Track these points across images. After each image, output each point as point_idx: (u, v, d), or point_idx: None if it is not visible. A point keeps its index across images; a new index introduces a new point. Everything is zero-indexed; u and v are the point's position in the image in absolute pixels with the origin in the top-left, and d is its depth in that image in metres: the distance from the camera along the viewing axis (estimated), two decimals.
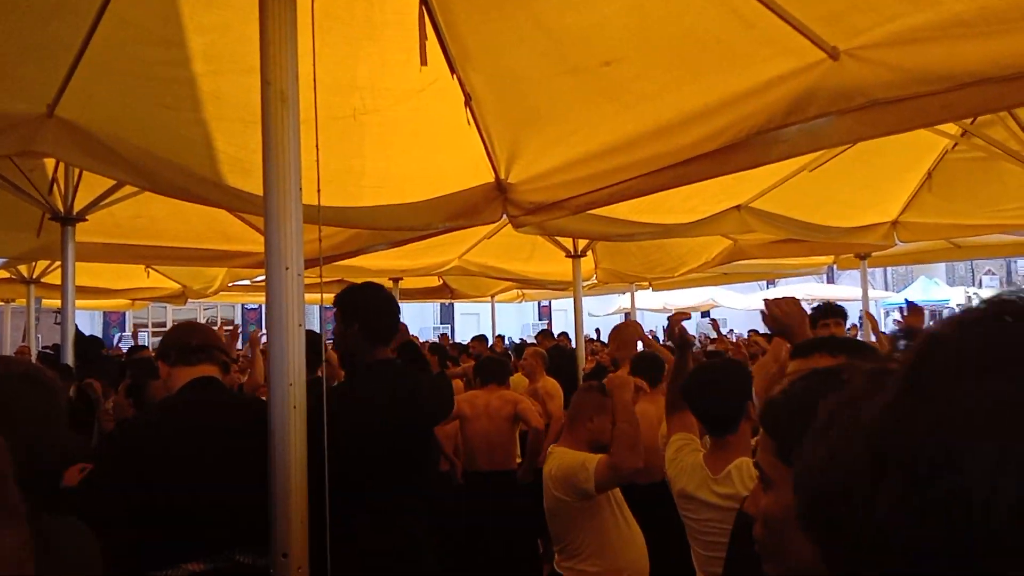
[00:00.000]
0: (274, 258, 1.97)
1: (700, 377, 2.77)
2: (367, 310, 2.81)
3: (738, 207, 5.38)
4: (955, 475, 0.39)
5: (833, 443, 0.49)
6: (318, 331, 3.35)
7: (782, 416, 1.11)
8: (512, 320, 21.99)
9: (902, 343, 0.50)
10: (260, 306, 20.46)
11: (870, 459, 0.44)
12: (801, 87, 2.58)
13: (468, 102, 3.47)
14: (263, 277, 2.04)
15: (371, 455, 2.59)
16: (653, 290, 13.99)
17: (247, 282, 9.19)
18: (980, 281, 30.66)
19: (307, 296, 2.08)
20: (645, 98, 3.13)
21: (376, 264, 7.34)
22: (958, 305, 22.26)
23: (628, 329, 5.57)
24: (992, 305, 0.45)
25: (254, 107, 2.05)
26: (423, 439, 2.93)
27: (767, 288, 24.64)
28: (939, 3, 2.29)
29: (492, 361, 5.90)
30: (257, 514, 1.96)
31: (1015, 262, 29.77)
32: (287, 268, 1.97)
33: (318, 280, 2.47)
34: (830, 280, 22.44)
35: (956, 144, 4.95)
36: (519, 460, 5.50)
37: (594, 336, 13.37)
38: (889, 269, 28.25)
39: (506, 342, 13.44)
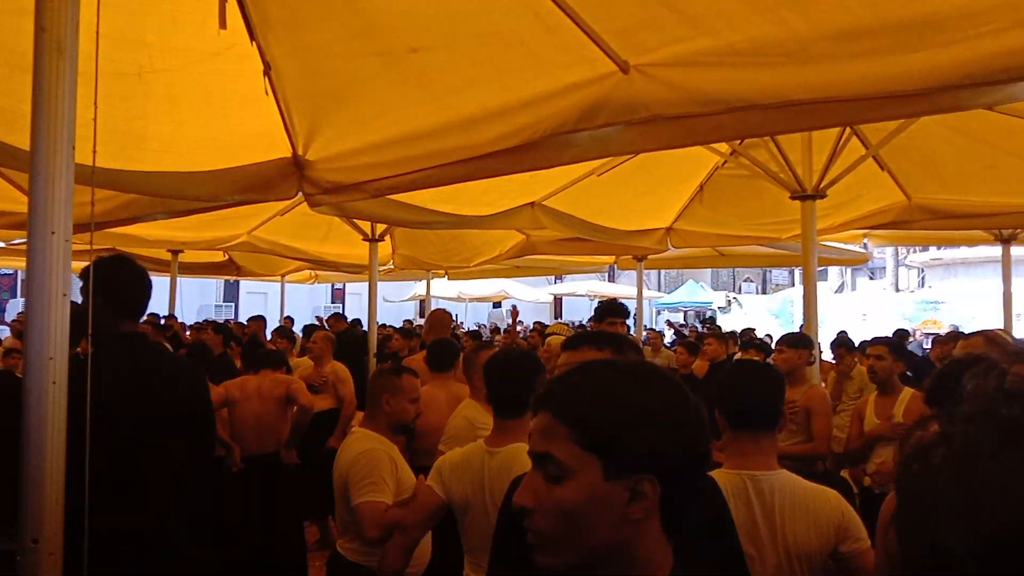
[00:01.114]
0: (39, 220, 1.80)
1: (494, 362, 2.88)
2: (112, 283, 2.75)
3: (532, 204, 5.61)
4: None
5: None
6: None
7: (584, 404, 1.11)
8: (304, 302, 21.37)
9: None
10: (16, 272, 18.43)
11: None
12: (593, 96, 2.73)
13: (267, 71, 3.33)
14: (24, 240, 1.85)
15: (112, 430, 2.45)
16: (449, 279, 14.18)
17: (1, 244, 8.25)
18: (740, 287, 33.94)
19: (74, 264, 1.92)
20: (450, 90, 3.18)
21: (154, 234, 6.86)
22: (719, 307, 24.51)
23: (439, 316, 5.86)
24: None
25: (24, 52, 1.86)
26: (171, 416, 2.84)
27: (555, 283, 25.77)
28: (717, 32, 2.52)
29: (260, 348, 5.86)
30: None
31: (770, 271, 33.19)
32: (53, 232, 1.81)
33: (88, 247, 2.29)
34: (611, 279, 23.85)
35: (725, 161, 5.45)
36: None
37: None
38: (663, 271, 30.49)
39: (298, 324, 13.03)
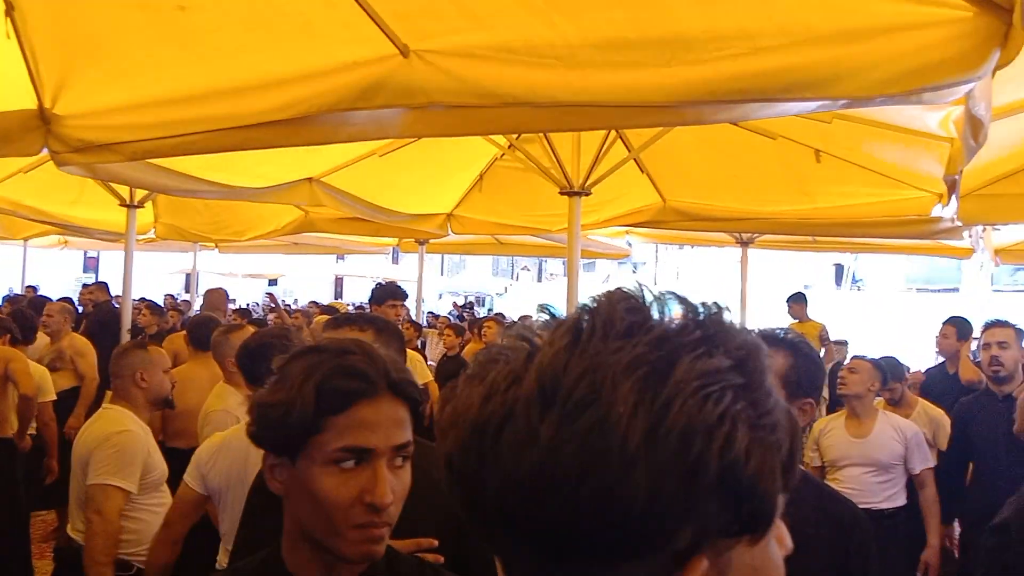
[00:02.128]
0: None
1: (250, 343, 2.83)
2: None
3: (309, 180, 5.46)
4: (601, 408, 0.50)
5: (493, 381, 0.55)
6: None
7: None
8: (52, 269, 19.30)
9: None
10: None
11: (537, 392, 0.52)
12: (373, 76, 2.72)
13: (9, 12, 2.99)
14: None
15: None
16: (220, 252, 13.43)
17: None
18: (518, 275, 35.17)
19: None
20: (220, 53, 3.02)
21: None
22: (497, 293, 25.25)
23: (215, 296, 5.60)
24: (610, 295, 0.57)
25: None
26: None
27: (337, 261, 25.24)
28: (493, 27, 2.61)
29: None
30: None
31: (545, 261, 34.61)
32: None
33: None
34: (395, 261, 23.80)
35: (503, 154, 5.63)
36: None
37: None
38: (445, 256, 30.91)
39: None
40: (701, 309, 0.55)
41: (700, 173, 5.91)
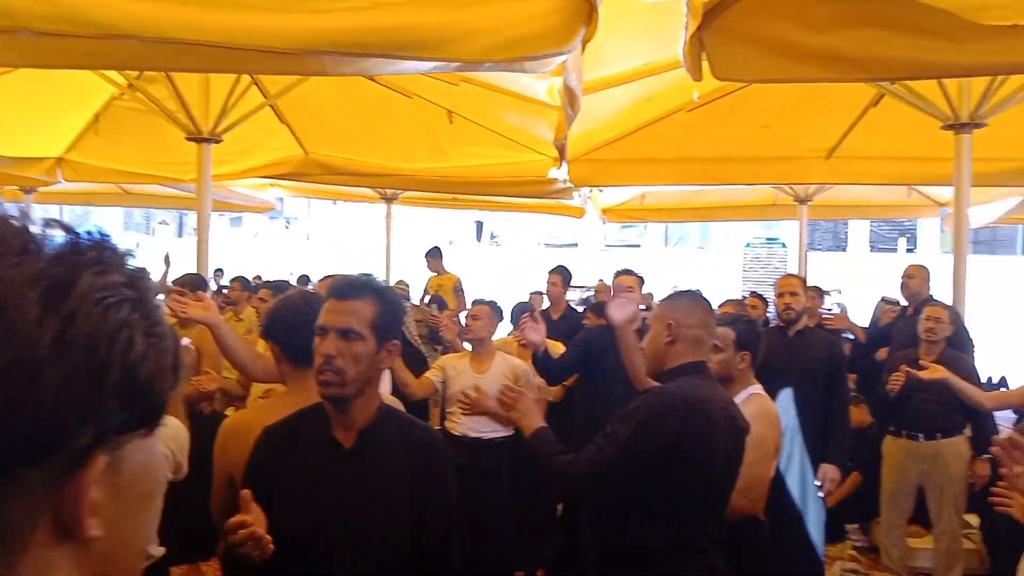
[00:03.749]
0: None
1: None
2: None
3: None
4: (6, 318, 0.51)
5: None
6: None
7: None
8: None
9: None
10: None
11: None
12: None
13: None
14: None
15: None
16: None
17: None
18: (154, 230, 32.35)
19: None
20: None
21: None
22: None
23: None
24: None
25: None
26: None
27: None
28: None
29: None
30: None
31: (186, 214, 32.20)
32: None
33: None
34: None
35: (123, 93, 5.09)
36: None
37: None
38: (65, 207, 27.33)
39: None
40: (86, 235, 0.59)
41: (342, 127, 5.90)
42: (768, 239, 16.05)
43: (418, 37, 2.38)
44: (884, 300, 6.74)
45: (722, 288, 12.32)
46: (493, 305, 4.30)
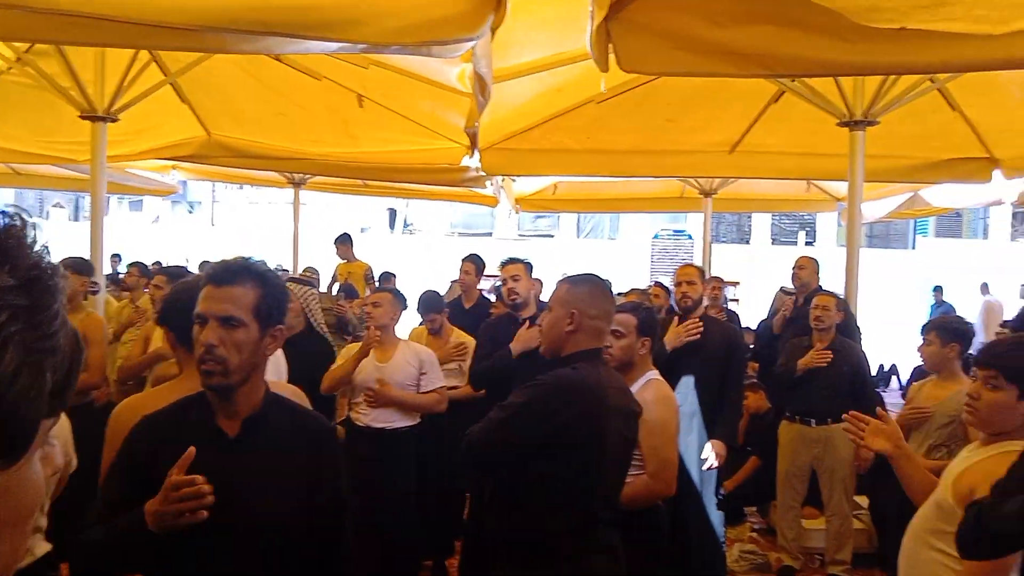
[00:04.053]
0: None
1: None
2: None
3: None
4: None
5: None
6: None
7: None
8: None
9: None
10: None
11: None
12: None
13: None
14: None
15: None
16: None
17: None
18: (48, 213, 30.73)
19: None
20: None
21: None
22: None
23: None
24: None
25: None
26: None
27: None
28: None
29: None
30: None
31: (83, 197, 30.74)
32: None
33: None
34: None
35: (11, 67, 4.80)
36: None
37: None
38: None
39: None
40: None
41: (247, 108, 5.73)
42: (675, 231, 16.50)
43: (323, 17, 2.33)
44: (783, 291, 7.02)
45: (632, 278, 12.58)
46: (394, 292, 4.27)
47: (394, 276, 8.78)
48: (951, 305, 14.09)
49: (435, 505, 4.56)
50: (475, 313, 5.43)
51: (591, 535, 2.31)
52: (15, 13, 2.41)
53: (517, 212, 10.74)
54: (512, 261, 4.43)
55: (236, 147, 5.89)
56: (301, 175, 7.81)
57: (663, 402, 3.03)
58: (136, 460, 1.70)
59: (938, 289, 14.67)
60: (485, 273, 5.85)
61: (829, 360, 4.64)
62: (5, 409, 0.49)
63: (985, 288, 14.54)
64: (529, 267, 4.46)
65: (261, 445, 1.72)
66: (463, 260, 5.71)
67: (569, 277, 2.58)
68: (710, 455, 4.22)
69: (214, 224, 25.88)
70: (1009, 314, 11.76)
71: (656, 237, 15.98)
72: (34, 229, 0.52)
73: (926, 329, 4.04)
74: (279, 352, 2.98)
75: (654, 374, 3.17)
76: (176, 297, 2.15)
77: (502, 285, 4.45)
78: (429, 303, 4.87)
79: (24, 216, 0.52)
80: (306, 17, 2.30)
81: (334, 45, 2.51)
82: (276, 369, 2.89)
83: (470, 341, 4.71)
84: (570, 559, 2.27)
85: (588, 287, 2.45)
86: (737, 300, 14.62)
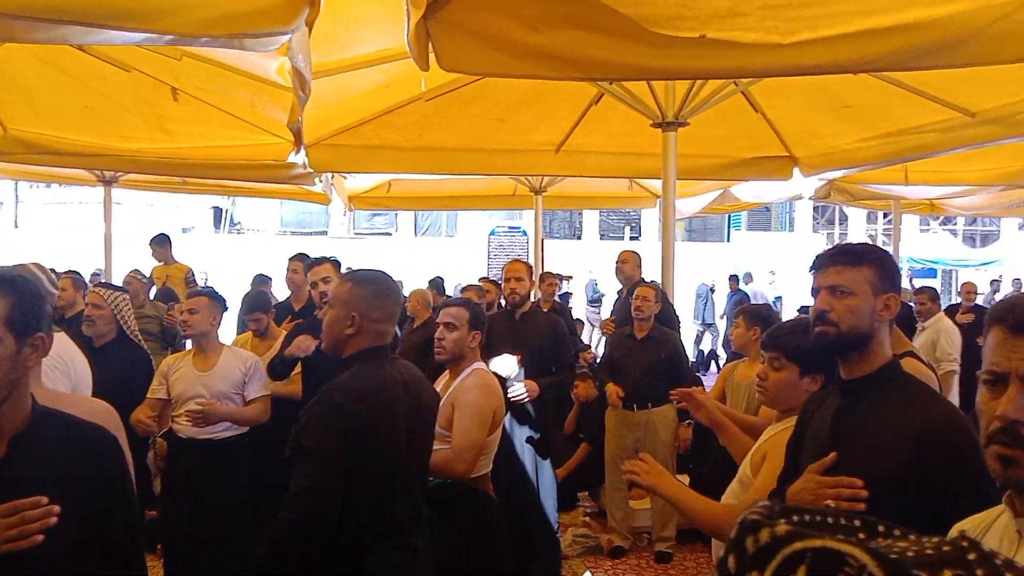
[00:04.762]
0: None
1: None
2: None
3: None
4: None
5: None
6: None
7: None
8: None
9: None
10: None
11: None
12: None
13: None
14: None
15: None
16: None
17: None
18: None
19: None
20: None
21: None
22: None
23: None
24: None
25: None
26: None
27: None
28: None
29: None
30: None
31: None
32: None
33: None
34: None
35: None
36: None
37: None
38: None
39: None
40: None
41: (48, 101, 5.27)
42: (511, 227, 16.85)
43: (126, 5, 2.19)
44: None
45: (469, 274, 12.68)
46: (211, 294, 4.04)
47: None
48: (746, 293, 15.26)
49: (269, 517, 4.40)
50: (305, 314, 5.31)
51: (391, 536, 2.27)
52: None
53: (351, 210, 10.57)
54: (319, 261, 4.38)
55: (37, 143, 5.42)
56: (112, 172, 7.29)
57: (483, 389, 3.14)
58: None
59: (734, 278, 15.81)
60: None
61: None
62: None
63: (749, 278, 16.69)
64: (337, 266, 4.42)
65: (31, 465, 1.59)
66: (290, 259, 5.58)
67: (353, 274, 2.52)
68: (519, 386, 4.31)
69: (18, 226, 23.66)
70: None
71: (492, 233, 16.24)
72: None
73: (735, 314, 4.38)
74: (83, 363, 2.78)
75: (479, 364, 3.27)
76: None
77: (312, 288, 4.38)
78: (253, 302, 4.71)
79: None
80: (107, 4, 2.15)
81: (139, 36, 2.36)
82: (78, 381, 2.68)
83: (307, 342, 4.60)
84: (373, 560, 2.22)
85: (372, 287, 2.37)
86: (571, 293, 15.20)
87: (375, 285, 2.38)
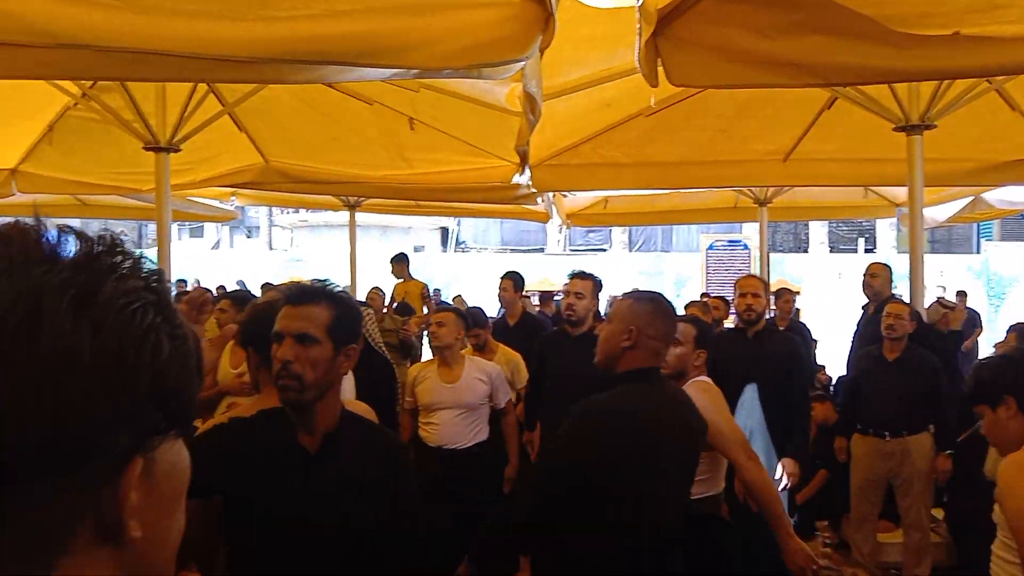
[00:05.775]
0: None
1: None
2: None
3: None
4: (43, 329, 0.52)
5: None
6: None
7: None
8: None
9: None
10: None
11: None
12: None
13: None
14: None
15: None
16: None
17: None
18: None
19: None
20: None
21: None
22: None
23: None
24: (17, 226, 0.57)
25: None
26: None
27: None
28: None
29: None
30: None
31: (146, 225, 31.78)
32: None
33: None
34: None
35: (77, 103, 5.00)
36: None
37: None
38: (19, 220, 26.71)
39: None
40: (99, 240, 0.59)
41: (302, 134, 5.86)
42: (730, 241, 16.27)
43: (376, 44, 2.38)
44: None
45: (686, 290, 12.39)
46: (457, 312, 4.29)
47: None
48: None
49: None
50: (520, 330, 5.44)
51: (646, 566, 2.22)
52: (81, 52, 2.52)
53: (568, 227, 10.75)
54: (580, 276, 4.29)
55: (292, 173, 6.03)
56: (356, 198, 7.94)
57: (706, 392, 3.06)
58: (219, 461, 1.74)
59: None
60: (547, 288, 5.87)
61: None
62: (172, 387, 0.58)
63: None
64: (597, 285, 4.31)
65: (339, 460, 1.77)
66: (501, 277, 5.71)
67: (632, 292, 2.54)
68: (782, 475, 4.12)
69: (272, 248, 26.42)
70: None
71: (711, 248, 15.79)
72: (123, 241, 0.61)
73: (1008, 329, 3.94)
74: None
75: (703, 377, 3.20)
76: (256, 318, 2.21)
77: (563, 297, 4.40)
78: (473, 319, 4.91)
79: (114, 236, 0.61)
80: (360, 45, 2.35)
81: (388, 71, 2.56)
82: (347, 387, 2.95)
83: (516, 357, 4.73)
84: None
85: (651, 305, 2.39)
86: (799, 310, 14.33)
87: (654, 303, 2.41)
